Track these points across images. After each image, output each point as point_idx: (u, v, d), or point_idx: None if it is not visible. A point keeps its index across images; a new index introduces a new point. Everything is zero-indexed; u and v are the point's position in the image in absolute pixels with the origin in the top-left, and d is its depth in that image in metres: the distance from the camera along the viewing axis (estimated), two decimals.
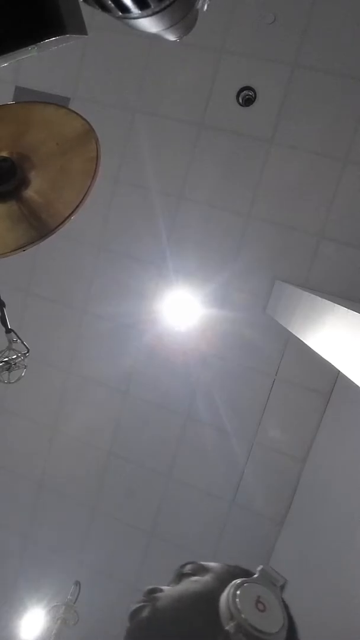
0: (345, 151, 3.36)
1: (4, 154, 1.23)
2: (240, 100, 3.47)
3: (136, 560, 4.02)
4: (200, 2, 0.72)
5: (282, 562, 3.63)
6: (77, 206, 1.23)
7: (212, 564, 0.74)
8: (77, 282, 3.94)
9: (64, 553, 4.22)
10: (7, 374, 1.99)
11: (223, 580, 0.66)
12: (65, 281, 3.98)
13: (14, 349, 1.99)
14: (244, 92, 3.45)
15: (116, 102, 3.67)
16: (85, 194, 1.22)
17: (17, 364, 2.00)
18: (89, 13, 0.66)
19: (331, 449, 3.41)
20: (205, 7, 0.75)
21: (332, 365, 2.12)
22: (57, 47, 0.66)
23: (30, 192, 1.26)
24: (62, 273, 3.98)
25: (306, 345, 2.57)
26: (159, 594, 0.68)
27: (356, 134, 3.33)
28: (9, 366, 1.98)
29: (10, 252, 1.26)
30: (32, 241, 1.25)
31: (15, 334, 1.96)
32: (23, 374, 2.05)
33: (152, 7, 0.58)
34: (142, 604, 0.67)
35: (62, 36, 0.61)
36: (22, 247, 1.25)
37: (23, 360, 2.03)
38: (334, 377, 3.54)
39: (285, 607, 0.61)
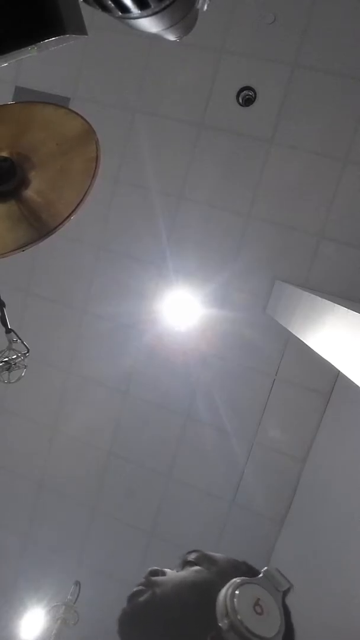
0: (345, 151, 3.36)
1: (4, 154, 1.22)
2: (240, 100, 3.47)
3: (136, 560, 4.02)
4: (200, 2, 0.72)
5: (282, 562, 3.63)
6: (77, 206, 1.23)
7: (218, 556, 0.74)
8: (77, 282, 3.94)
9: (64, 553, 4.22)
10: (7, 374, 1.99)
11: (225, 575, 0.65)
12: (65, 281, 3.98)
13: (14, 349, 1.99)
14: (244, 92, 3.45)
15: (116, 102, 3.67)
16: (85, 194, 1.22)
17: (17, 364, 2.00)
18: (89, 13, 0.66)
19: (331, 449, 3.41)
20: (205, 7, 0.75)
21: (332, 365, 2.12)
22: (57, 47, 0.66)
23: (30, 192, 1.26)
24: (62, 273, 3.98)
25: (306, 345, 2.57)
26: (160, 579, 0.69)
27: (356, 134, 3.33)
28: (9, 366, 1.98)
29: (10, 252, 1.26)
30: (32, 241, 1.25)
31: (15, 334, 1.96)
32: (23, 374, 2.05)
33: (152, 7, 0.58)
34: (142, 587, 0.68)
35: (62, 36, 0.61)
36: (22, 247, 1.25)
37: (23, 360, 2.02)
38: (334, 377, 3.54)
39: (286, 614, 0.60)
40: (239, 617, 0.55)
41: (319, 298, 2.63)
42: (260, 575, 0.64)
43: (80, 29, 0.65)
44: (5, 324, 1.88)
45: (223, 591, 0.59)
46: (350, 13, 3.24)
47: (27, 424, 4.18)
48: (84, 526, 4.17)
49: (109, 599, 3.93)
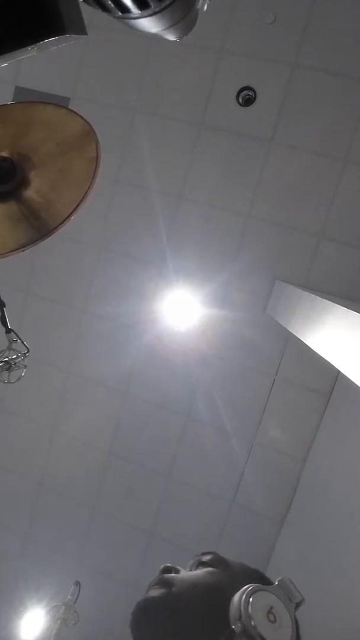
0: (345, 151, 3.36)
1: (4, 154, 1.22)
2: (240, 100, 3.47)
3: (136, 560, 4.02)
4: (200, 2, 0.72)
5: (282, 562, 3.63)
6: (77, 206, 1.23)
7: (232, 561, 0.74)
8: (77, 282, 3.94)
9: (64, 553, 4.22)
10: (7, 374, 1.99)
11: (239, 580, 0.65)
12: (65, 281, 3.98)
13: (14, 349, 1.99)
14: (244, 92, 3.45)
15: (116, 102, 3.67)
16: (85, 194, 1.22)
17: (17, 364, 2.00)
18: (89, 13, 0.66)
19: (331, 449, 3.41)
20: (205, 7, 0.75)
21: (332, 365, 2.12)
22: (57, 47, 0.66)
23: (30, 192, 1.26)
24: (62, 273, 3.98)
25: (306, 345, 2.57)
26: (174, 577, 0.69)
27: (356, 134, 3.33)
28: (9, 366, 1.98)
29: (10, 252, 1.26)
30: (32, 241, 1.25)
31: (15, 334, 1.96)
32: (23, 374, 2.05)
33: (152, 7, 0.58)
34: (154, 587, 0.68)
35: (62, 36, 0.61)
36: (22, 247, 1.25)
37: (23, 360, 2.02)
38: (334, 377, 3.54)
39: (296, 625, 0.60)
40: (252, 622, 0.55)
41: (319, 298, 2.63)
42: (275, 584, 0.64)
43: (80, 29, 0.65)
44: (5, 324, 1.88)
45: (237, 595, 0.59)
46: (350, 13, 3.24)
47: (27, 424, 4.18)
48: (84, 526, 4.17)
49: (109, 599, 3.94)
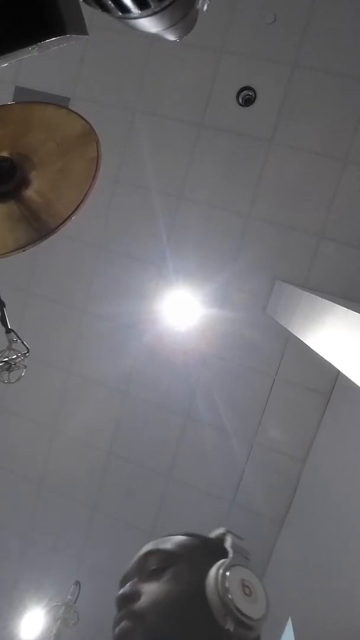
0: (345, 151, 3.36)
1: (4, 154, 1.22)
2: (240, 100, 3.47)
3: None
4: (200, 2, 0.72)
5: (282, 562, 3.63)
6: (77, 207, 1.23)
7: (169, 545, 0.69)
8: (77, 282, 3.94)
9: (64, 553, 4.22)
10: (7, 374, 1.99)
11: (197, 565, 0.62)
12: (65, 281, 3.98)
13: (14, 349, 1.99)
14: (244, 92, 3.45)
15: (116, 102, 3.67)
16: (86, 194, 1.22)
17: (17, 364, 2.00)
18: (89, 13, 0.66)
19: (331, 449, 3.41)
20: (205, 7, 0.75)
21: (332, 365, 2.12)
22: (57, 47, 0.66)
23: (30, 193, 1.26)
24: (62, 273, 3.98)
25: (306, 345, 2.57)
26: (139, 606, 0.61)
27: (356, 134, 3.33)
28: (9, 366, 1.98)
29: (10, 252, 1.26)
30: (32, 241, 1.25)
31: (15, 334, 1.96)
32: (23, 374, 2.05)
33: (152, 7, 0.58)
34: (126, 624, 0.60)
35: (62, 36, 0.61)
36: (22, 247, 1.25)
37: (23, 360, 2.02)
38: (334, 377, 3.54)
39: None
40: (238, 614, 0.54)
41: (319, 298, 2.63)
42: (230, 552, 0.63)
43: (81, 29, 0.65)
44: (5, 324, 1.88)
45: (211, 588, 0.57)
46: (350, 13, 3.24)
47: (27, 424, 4.18)
48: (84, 526, 4.17)
49: (109, 599, 3.94)
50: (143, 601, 0.61)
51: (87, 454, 4.10)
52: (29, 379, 2.10)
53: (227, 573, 0.58)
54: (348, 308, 2.12)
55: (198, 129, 3.57)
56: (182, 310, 3.76)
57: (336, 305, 2.28)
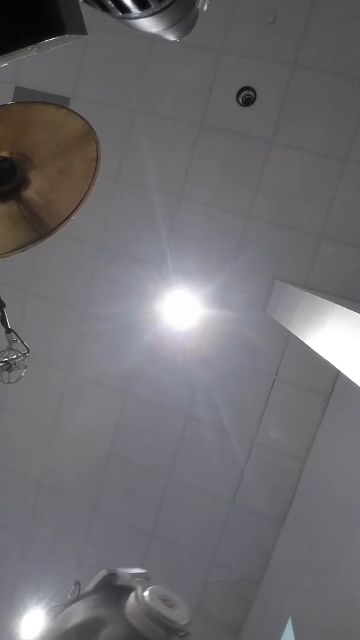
0: (345, 151, 3.36)
1: (4, 154, 1.22)
2: (240, 100, 3.47)
3: (136, 560, 4.02)
4: (200, 2, 0.72)
5: (282, 562, 3.63)
6: (77, 206, 1.23)
7: (77, 618, 0.63)
8: (77, 282, 3.94)
9: (64, 553, 4.22)
10: (7, 374, 1.99)
11: (118, 616, 0.60)
12: (65, 281, 3.98)
13: (14, 349, 1.99)
14: (244, 92, 3.45)
15: (116, 102, 3.67)
16: (85, 194, 1.22)
17: (17, 364, 2.00)
18: (89, 13, 0.66)
19: (331, 449, 3.41)
20: (205, 7, 0.75)
21: (332, 365, 2.12)
22: (57, 47, 0.66)
23: (30, 193, 1.26)
24: (62, 273, 3.98)
25: (306, 345, 2.57)
26: None
27: (356, 134, 3.33)
28: (9, 366, 1.97)
29: (10, 252, 1.26)
30: (32, 241, 1.25)
31: (15, 334, 1.96)
32: (23, 374, 2.05)
33: (152, 7, 0.58)
34: None
35: (62, 36, 0.61)
36: (22, 247, 1.25)
37: (23, 360, 2.02)
38: (334, 377, 3.54)
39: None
40: (172, 620, 0.58)
41: (319, 298, 2.63)
42: (133, 583, 0.64)
43: (80, 29, 0.65)
44: (5, 324, 1.88)
45: (139, 617, 0.58)
46: (350, 13, 3.24)
47: (27, 424, 4.18)
48: (84, 526, 4.17)
49: None
50: None
51: (87, 454, 4.10)
52: (29, 379, 2.10)
53: (145, 594, 0.60)
54: (348, 308, 2.12)
55: (198, 129, 3.57)
56: (182, 310, 3.76)
57: (336, 305, 2.28)
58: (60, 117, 1.25)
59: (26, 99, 3.70)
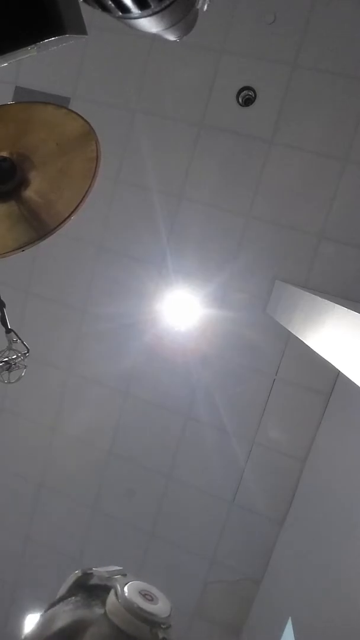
0: (345, 151, 3.36)
1: (4, 154, 1.22)
2: (240, 100, 3.47)
3: (136, 560, 4.02)
4: (200, 2, 0.72)
5: (282, 562, 3.63)
6: (77, 206, 1.23)
7: (61, 622, 0.63)
8: (77, 282, 3.94)
9: (64, 553, 4.22)
10: (7, 374, 1.99)
11: (98, 616, 0.60)
12: (65, 281, 3.98)
13: (14, 349, 1.99)
14: (244, 92, 3.45)
15: (116, 102, 3.67)
16: (85, 194, 1.22)
17: (17, 364, 2.00)
18: (89, 13, 0.66)
19: (331, 449, 3.41)
20: (205, 7, 0.75)
21: (332, 365, 2.12)
22: (57, 47, 0.66)
23: (30, 193, 1.26)
24: (62, 273, 3.98)
25: (306, 345, 2.57)
26: None
27: (356, 134, 3.33)
28: (9, 366, 1.97)
29: (10, 252, 1.26)
30: (32, 241, 1.25)
31: (15, 334, 1.95)
32: (23, 374, 2.04)
33: (152, 7, 0.58)
34: None
35: (62, 36, 0.61)
36: (21, 247, 1.25)
37: (23, 360, 2.02)
38: (334, 377, 3.54)
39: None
40: (153, 614, 0.57)
41: (319, 298, 2.63)
42: (110, 580, 0.64)
43: (80, 29, 0.65)
44: (5, 324, 1.87)
45: (120, 613, 0.58)
46: (350, 13, 3.24)
47: (27, 424, 4.18)
48: (84, 526, 4.17)
49: None
50: None
51: (87, 454, 4.10)
52: (29, 379, 2.10)
53: (125, 590, 0.60)
54: (348, 308, 2.12)
55: (198, 129, 3.57)
56: (182, 310, 3.76)
57: (336, 305, 2.28)
58: (60, 117, 1.25)
59: (26, 99, 3.70)
